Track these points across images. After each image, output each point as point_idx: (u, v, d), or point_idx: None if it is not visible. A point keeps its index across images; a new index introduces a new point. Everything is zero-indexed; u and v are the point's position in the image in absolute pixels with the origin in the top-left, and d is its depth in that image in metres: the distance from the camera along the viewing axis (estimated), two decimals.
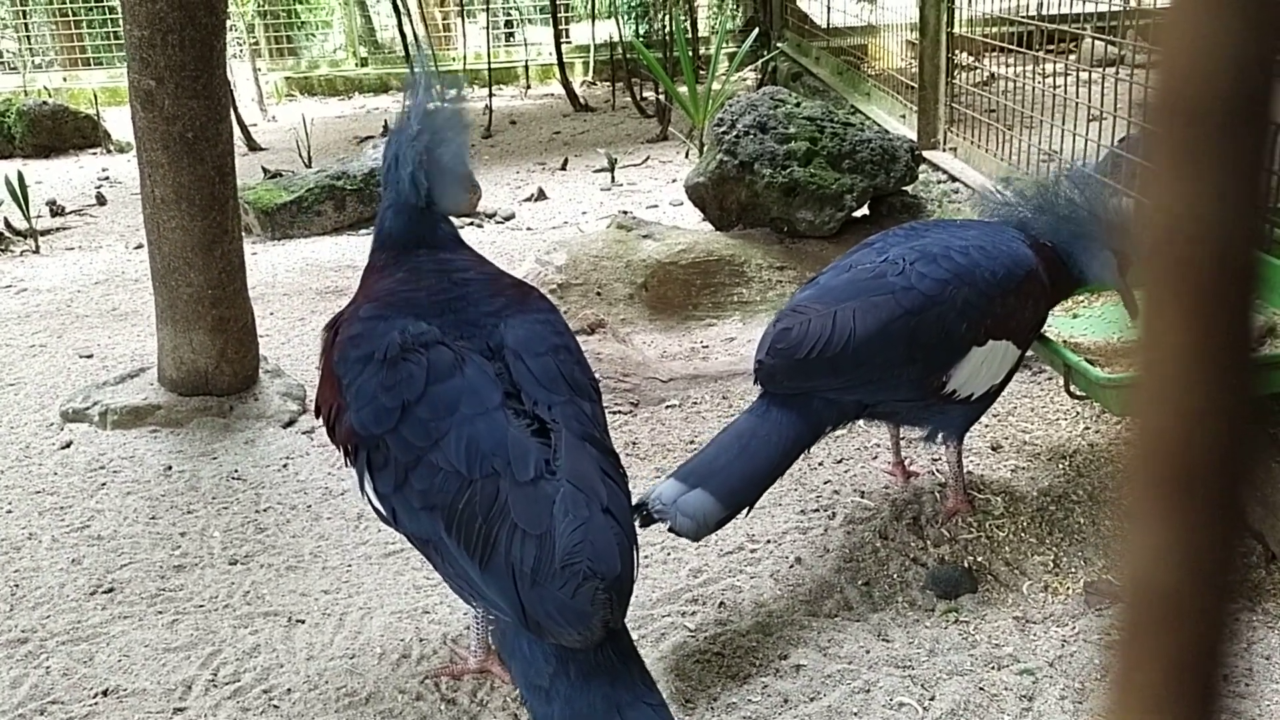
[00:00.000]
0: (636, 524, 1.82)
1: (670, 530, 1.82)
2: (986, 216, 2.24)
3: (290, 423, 2.87)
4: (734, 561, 2.12)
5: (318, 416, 1.70)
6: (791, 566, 2.09)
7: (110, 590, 2.17)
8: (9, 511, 2.49)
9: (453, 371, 1.50)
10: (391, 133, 1.73)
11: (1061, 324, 2.36)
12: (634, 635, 1.91)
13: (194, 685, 1.87)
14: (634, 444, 2.67)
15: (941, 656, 1.82)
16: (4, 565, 2.27)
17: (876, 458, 2.48)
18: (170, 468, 2.65)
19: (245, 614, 2.07)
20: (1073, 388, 2.18)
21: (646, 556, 2.17)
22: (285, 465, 2.66)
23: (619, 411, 2.84)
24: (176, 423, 2.84)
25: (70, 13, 8.98)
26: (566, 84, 7.53)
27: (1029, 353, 2.18)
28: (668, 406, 2.87)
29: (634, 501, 1.83)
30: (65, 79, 8.77)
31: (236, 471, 2.63)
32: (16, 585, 2.19)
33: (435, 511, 1.45)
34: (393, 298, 1.64)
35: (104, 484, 2.60)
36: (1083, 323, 2.37)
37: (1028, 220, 2.15)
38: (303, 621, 2.04)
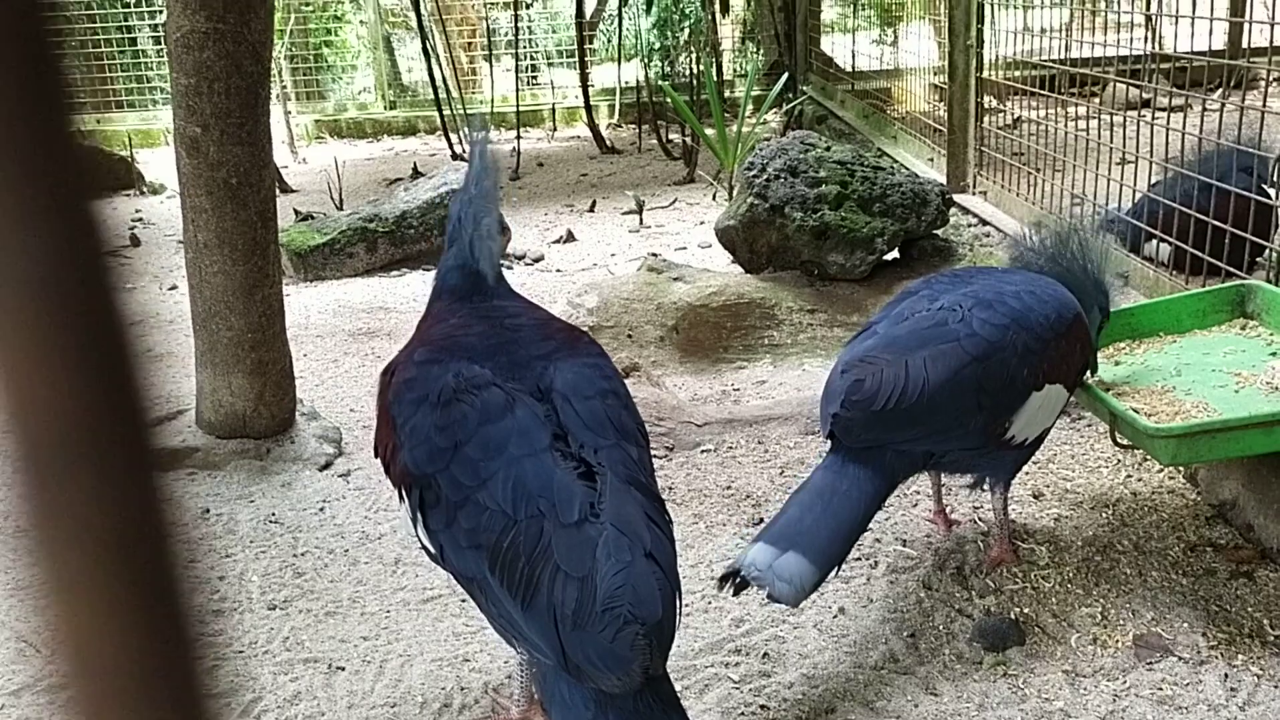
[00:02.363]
0: (729, 592, 1.80)
1: (769, 598, 1.77)
2: (1014, 262, 2.28)
3: (326, 465, 2.87)
4: (776, 611, 2.10)
5: (376, 456, 1.71)
6: (835, 617, 2.07)
7: None
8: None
9: (504, 413, 1.51)
10: (457, 194, 1.79)
11: (1103, 372, 2.34)
12: (677, 686, 1.90)
13: None
14: (670, 489, 2.66)
15: (991, 711, 1.79)
16: (43, 610, 2.27)
17: (917, 505, 2.46)
18: (208, 510, 2.66)
19: (285, 660, 2.06)
20: (1119, 437, 2.16)
21: (688, 605, 2.15)
22: (322, 509, 2.66)
23: (654, 455, 2.83)
24: (214, 465, 2.85)
25: (102, 56, 9.15)
26: (593, 126, 7.60)
27: (1072, 399, 2.18)
28: (703, 451, 2.86)
29: (723, 570, 1.82)
30: (99, 121, 8.93)
31: (274, 515, 2.63)
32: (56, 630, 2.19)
33: (480, 550, 1.45)
34: (446, 342, 1.68)
35: None
36: (1125, 370, 2.36)
37: (1042, 268, 2.22)
38: (343, 669, 2.03)
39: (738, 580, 1.78)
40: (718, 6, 7.42)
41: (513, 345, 1.64)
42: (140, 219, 6.26)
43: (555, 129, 8.69)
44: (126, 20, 9.12)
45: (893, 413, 1.88)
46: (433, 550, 1.59)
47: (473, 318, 1.71)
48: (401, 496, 1.62)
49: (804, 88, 7.68)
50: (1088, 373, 2.17)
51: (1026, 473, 2.53)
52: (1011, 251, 2.35)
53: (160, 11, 8.06)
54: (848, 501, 1.86)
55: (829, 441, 1.98)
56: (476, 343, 1.65)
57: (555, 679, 1.45)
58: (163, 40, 2.46)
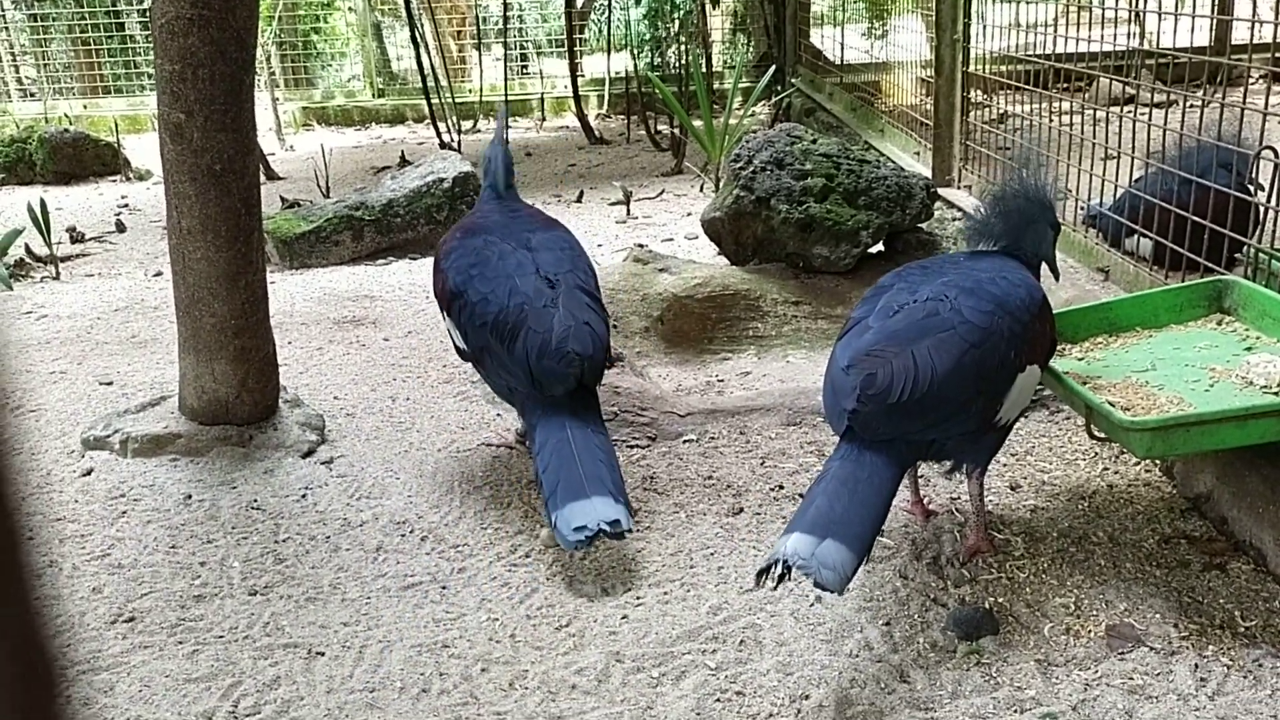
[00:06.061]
0: (771, 585, 1.80)
1: (815, 585, 1.77)
2: (971, 242, 2.32)
3: (309, 453, 2.88)
4: (754, 599, 2.12)
5: (436, 298, 2.70)
6: (812, 605, 2.09)
7: (131, 619, 2.17)
8: (29, 538, 2.50)
9: (508, 256, 2.53)
10: (490, 145, 2.88)
11: (1078, 365, 2.36)
12: (654, 672, 1.92)
13: (215, 717, 1.87)
14: (651, 478, 2.67)
15: (963, 699, 1.81)
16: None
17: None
18: (190, 496, 2.67)
19: (265, 645, 2.07)
20: (1095, 430, 2.18)
21: (666, 593, 2.17)
22: (304, 496, 2.66)
23: (636, 445, 2.85)
24: (197, 452, 2.86)
25: (90, 41, 9.09)
26: (582, 116, 7.60)
27: (1045, 391, 2.20)
28: (685, 441, 2.87)
29: (762, 562, 1.81)
30: (85, 106, 8.88)
31: (256, 501, 2.64)
32: None
33: (486, 327, 2.44)
34: (473, 225, 2.74)
35: (124, 512, 2.61)
36: (1101, 363, 2.38)
37: (997, 231, 2.27)
38: (322, 654, 2.04)
39: (779, 571, 1.76)
40: None
41: (512, 223, 2.68)
42: (126, 204, 6.24)
43: (544, 119, 8.68)
44: (114, 5, 9.06)
45: (908, 404, 1.90)
46: (460, 345, 2.62)
47: (489, 213, 2.77)
48: (444, 315, 2.65)
49: (792, 80, 7.68)
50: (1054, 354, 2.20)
51: (1004, 464, 2.55)
52: (966, 224, 2.41)
53: None
54: (870, 489, 1.87)
55: (840, 438, 1.99)
56: (489, 224, 2.69)
57: (528, 401, 2.44)
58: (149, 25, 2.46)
